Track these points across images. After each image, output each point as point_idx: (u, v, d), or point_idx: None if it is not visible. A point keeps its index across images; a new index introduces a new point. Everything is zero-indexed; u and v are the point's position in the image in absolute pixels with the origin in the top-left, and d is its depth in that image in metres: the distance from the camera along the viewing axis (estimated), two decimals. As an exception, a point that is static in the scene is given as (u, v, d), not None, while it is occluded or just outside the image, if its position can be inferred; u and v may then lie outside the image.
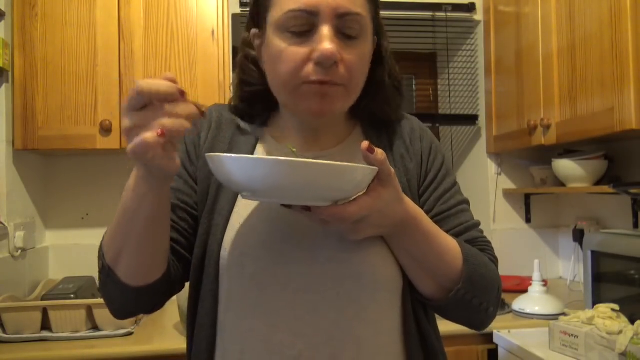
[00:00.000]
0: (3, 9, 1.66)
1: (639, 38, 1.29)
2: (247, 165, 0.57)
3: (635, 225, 1.70)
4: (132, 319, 1.54)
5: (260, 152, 0.80)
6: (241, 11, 2.10)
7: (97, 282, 0.74)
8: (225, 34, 1.81)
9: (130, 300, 0.71)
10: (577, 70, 1.53)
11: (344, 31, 0.70)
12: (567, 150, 1.84)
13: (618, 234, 1.49)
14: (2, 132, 1.67)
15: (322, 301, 0.70)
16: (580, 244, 1.85)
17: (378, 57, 0.79)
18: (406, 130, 0.84)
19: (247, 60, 0.80)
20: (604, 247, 1.49)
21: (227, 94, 1.80)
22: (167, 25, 1.77)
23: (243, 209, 0.75)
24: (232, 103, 0.83)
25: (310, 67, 0.69)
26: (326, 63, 0.68)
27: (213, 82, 1.79)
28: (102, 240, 0.71)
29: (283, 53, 0.70)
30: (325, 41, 0.67)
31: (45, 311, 1.50)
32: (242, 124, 0.80)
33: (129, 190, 0.65)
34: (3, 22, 1.67)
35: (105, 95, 1.73)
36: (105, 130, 1.71)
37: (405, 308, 0.74)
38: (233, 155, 0.58)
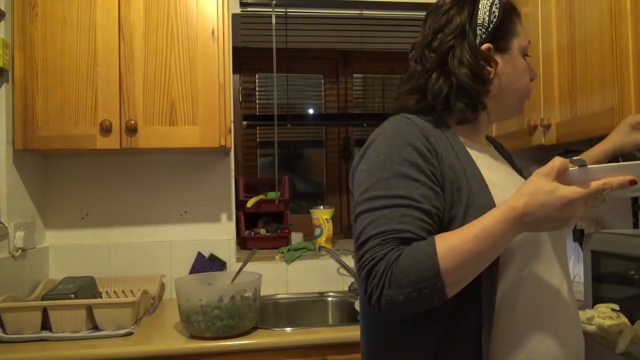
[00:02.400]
0: (3, 9, 1.66)
1: (639, 38, 1.29)
2: None
3: (635, 225, 1.70)
4: (132, 319, 1.55)
5: (471, 153, 0.94)
6: (241, 11, 2.10)
7: (411, 294, 0.77)
8: (225, 34, 1.81)
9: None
10: (577, 70, 1.53)
11: None
12: (567, 150, 1.83)
13: (618, 234, 1.49)
14: (2, 132, 1.67)
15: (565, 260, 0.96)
16: (580, 244, 1.85)
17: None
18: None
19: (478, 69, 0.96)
20: (604, 247, 1.49)
21: (227, 94, 1.80)
22: (167, 25, 1.77)
23: (499, 192, 0.88)
24: (417, 113, 0.96)
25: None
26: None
27: (213, 82, 1.79)
28: (437, 265, 0.76)
29: (526, 70, 1.01)
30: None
31: (45, 311, 1.50)
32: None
33: (499, 239, 0.77)
34: (3, 22, 1.67)
35: (105, 95, 1.73)
36: (105, 130, 1.71)
37: None
38: None
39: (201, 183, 2.10)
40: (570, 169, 0.75)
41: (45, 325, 1.50)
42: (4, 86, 1.68)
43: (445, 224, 0.85)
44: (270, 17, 2.17)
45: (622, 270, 1.44)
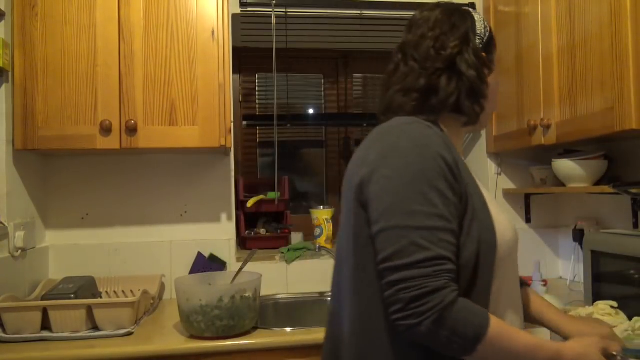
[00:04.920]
0: (3, 9, 1.66)
1: (639, 38, 1.29)
2: None
3: (635, 225, 1.70)
4: (132, 319, 1.55)
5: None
6: (241, 11, 2.10)
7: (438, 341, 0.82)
8: (225, 34, 1.81)
9: None
10: (577, 70, 1.53)
11: None
12: (567, 150, 1.84)
13: (618, 234, 1.49)
14: (2, 132, 1.67)
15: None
16: (580, 244, 1.85)
17: None
18: None
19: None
20: (604, 247, 1.49)
21: (227, 94, 1.80)
22: (167, 25, 1.77)
23: (492, 208, 0.93)
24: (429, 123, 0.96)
25: None
26: None
27: (213, 82, 1.79)
28: (484, 336, 0.81)
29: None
30: None
31: (45, 311, 1.50)
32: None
33: None
34: (3, 22, 1.67)
35: (105, 95, 1.73)
36: (105, 130, 1.71)
37: None
38: None
39: (201, 183, 2.10)
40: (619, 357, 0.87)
41: (45, 325, 1.50)
42: (4, 86, 1.68)
43: None
44: (270, 17, 2.18)
45: (622, 270, 1.44)
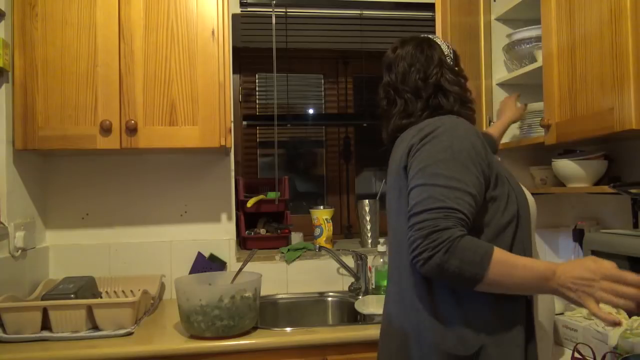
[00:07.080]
0: (3, 9, 1.66)
1: (639, 38, 1.29)
2: None
3: (635, 225, 1.70)
4: (132, 319, 1.55)
5: None
6: (241, 11, 2.10)
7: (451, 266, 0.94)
8: (225, 34, 1.81)
9: None
10: (577, 70, 1.53)
11: None
12: (567, 150, 1.84)
13: (618, 234, 1.49)
14: (2, 132, 1.67)
15: None
16: (580, 244, 1.85)
17: None
18: None
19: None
20: (604, 247, 1.48)
21: (227, 94, 1.80)
22: (167, 25, 1.77)
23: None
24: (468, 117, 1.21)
25: None
26: None
27: (213, 82, 1.79)
28: (488, 262, 0.94)
29: None
30: None
31: (45, 311, 1.50)
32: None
33: (535, 278, 0.96)
34: (3, 22, 1.67)
35: (105, 95, 1.73)
36: (105, 130, 1.71)
37: None
38: None
39: (201, 183, 2.10)
40: None
41: (45, 325, 1.51)
42: (4, 86, 1.68)
43: (488, 200, 1.06)
44: (270, 17, 2.18)
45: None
